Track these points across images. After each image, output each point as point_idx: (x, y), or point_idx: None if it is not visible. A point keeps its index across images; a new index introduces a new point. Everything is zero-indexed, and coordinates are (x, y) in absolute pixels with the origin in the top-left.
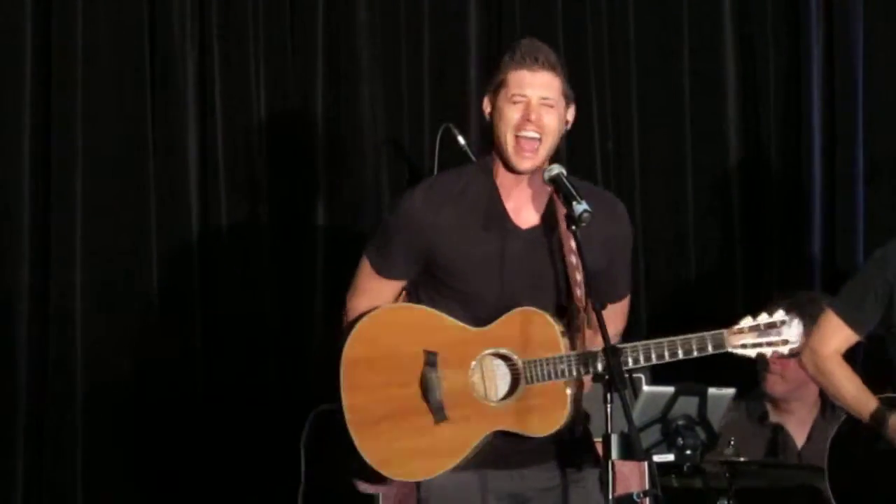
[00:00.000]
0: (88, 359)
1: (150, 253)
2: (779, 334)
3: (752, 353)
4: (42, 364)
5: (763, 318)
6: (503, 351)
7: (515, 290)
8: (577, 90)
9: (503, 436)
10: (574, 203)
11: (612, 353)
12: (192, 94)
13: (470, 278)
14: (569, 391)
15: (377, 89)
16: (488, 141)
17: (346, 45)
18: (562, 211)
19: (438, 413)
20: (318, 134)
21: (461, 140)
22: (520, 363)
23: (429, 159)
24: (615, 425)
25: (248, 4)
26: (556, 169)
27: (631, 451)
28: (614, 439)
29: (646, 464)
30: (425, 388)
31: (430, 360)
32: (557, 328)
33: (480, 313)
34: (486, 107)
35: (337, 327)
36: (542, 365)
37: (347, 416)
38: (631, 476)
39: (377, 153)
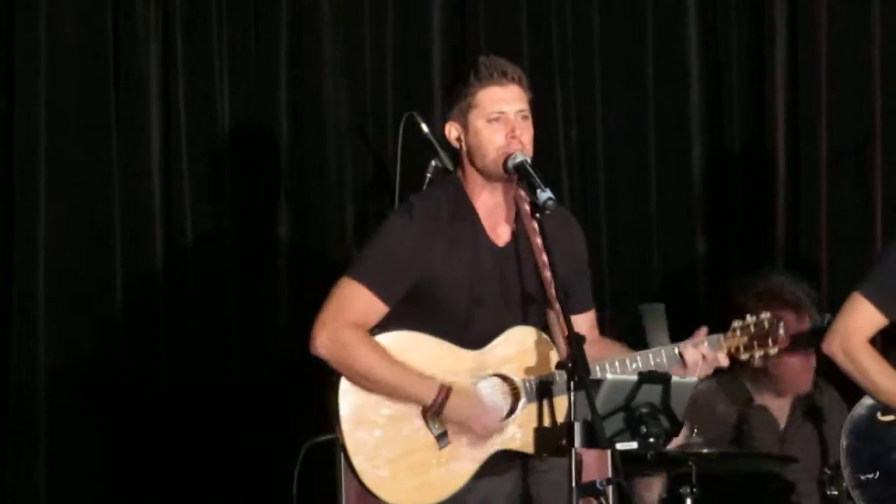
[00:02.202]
0: (49, 371)
1: (114, 256)
2: (767, 335)
3: (744, 356)
4: (3, 359)
5: (751, 319)
6: (502, 371)
7: (500, 308)
8: (541, 80)
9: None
10: (538, 191)
11: (575, 342)
12: (156, 90)
13: (461, 301)
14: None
15: (340, 79)
16: (455, 161)
17: (308, 37)
18: (530, 224)
19: (441, 439)
20: (281, 127)
21: (425, 128)
22: (519, 382)
23: (392, 150)
24: (578, 413)
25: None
26: (521, 157)
27: (594, 439)
28: (577, 427)
29: (609, 452)
30: (426, 417)
31: (427, 376)
32: (553, 344)
33: (465, 334)
34: (453, 131)
35: (333, 355)
36: (541, 381)
37: (354, 459)
38: (595, 464)
39: (340, 145)
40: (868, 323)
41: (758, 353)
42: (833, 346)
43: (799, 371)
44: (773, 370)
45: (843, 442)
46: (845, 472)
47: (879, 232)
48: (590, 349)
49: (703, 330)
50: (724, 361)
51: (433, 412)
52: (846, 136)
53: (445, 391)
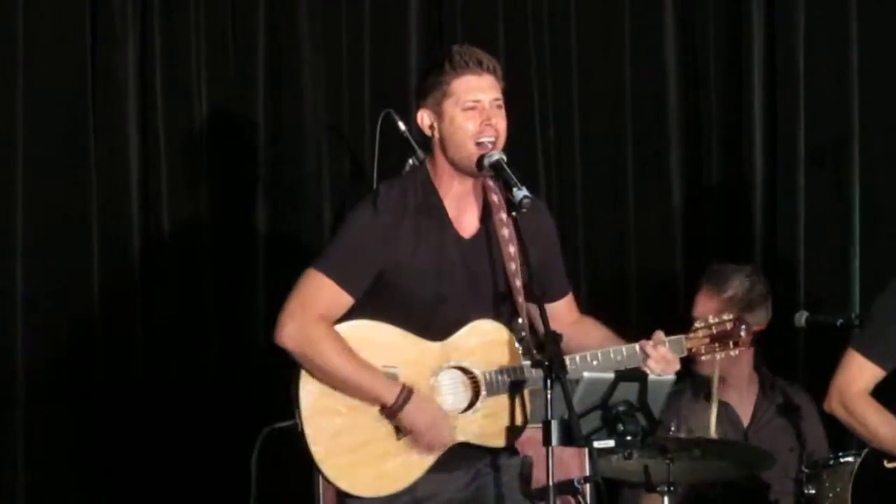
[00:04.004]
0: (27, 363)
1: (92, 248)
2: (728, 336)
3: (705, 357)
4: None
5: (713, 320)
6: (464, 363)
7: (466, 301)
8: (518, 78)
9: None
10: (514, 189)
11: (552, 339)
12: (133, 86)
13: (426, 292)
14: (528, 400)
15: (317, 77)
16: (426, 149)
17: (286, 33)
18: (498, 215)
19: (400, 430)
20: (258, 122)
21: (402, 126)
22: (480, 375)
23: (369, 146)
24: (555, 411)
25: None
26: (497, 155)
27: (571, 437)
28: (554, 425)
29: (586, 450)
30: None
31: (390, 376)
32: (515, 338)
33: (430, 325)
34: (426, 118)
35: (294, 347)
36: (502, 375)
37: (312, 447)
38: (571, 462)
39: (318, 140)
40: (862, 375)
41: (719, 354)
42: (832, 403)
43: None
44: None
45: (850, 491)
46: None
47: (857, 231)
48: (569, 330)
49: (659, 333)
50: (676, 366)
51: (389, 413)
52: (824, 135)
53: (406, 394)
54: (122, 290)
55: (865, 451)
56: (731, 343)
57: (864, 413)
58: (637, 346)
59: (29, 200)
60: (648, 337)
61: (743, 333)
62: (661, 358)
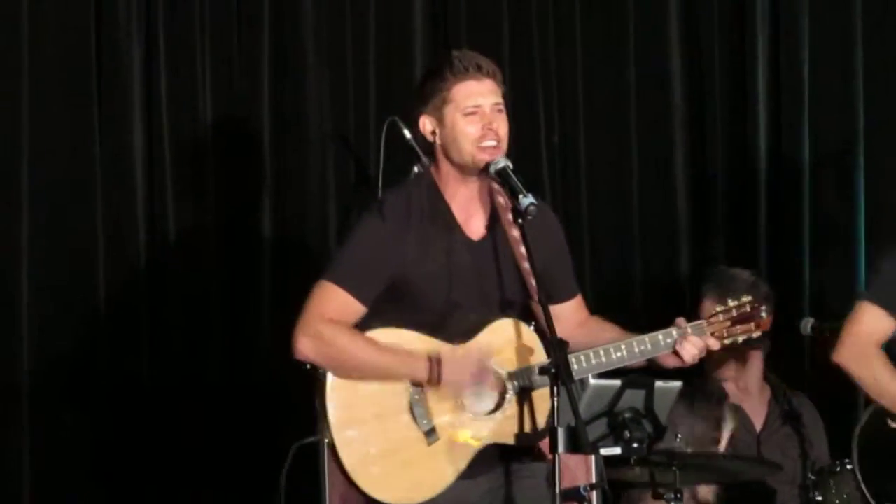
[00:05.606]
0: (33, 365)
1: (97, 252)
2: (749, 318)
3: (728, 341)
4: None
5: (732, 303)
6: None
7: (479, 302)
8: (522, 83)
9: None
10: (520, 196)
11: (558, 346)
12: (138, 91)
13: (438, 296)
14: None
15: (323, 83)
16: (429, 154)
17: (291, 39)
18: (506, 217)
19: (430, 435)
20: (263, 128)
21: (407, 134)
22: (504, 374)
23: (374, 153)
24: (562, 418)
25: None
26: (503, 162)
27: (578, 444)
28: (561, 432)
29: (592, 457)
30: (414, 413)
31: (415, 381)
32: (537, 335)
33: (447, 328)
34: (428, 124)
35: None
36: (527, 374)
37: (344, 458)
38: (577, 469)
39: (323, 147)
40: (878, 326)
41: (741, 337)
42: (844, 354)
43: (728, 358)
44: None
45: (855, 452)
46: (863, 485)
47: (862, 236)
48: (578, 332)
49: (681, 320)
50: (715, 345)
51: (433, 385)
52: (829, 140)
53: (436, 362)
54: (127, 293)
55: (871, 408)
56: (752, 325)
57: (878, 367)
58: (660, 335)
59: (34, 204)
60: None
61: (764, 314)
62: (688, 343)
